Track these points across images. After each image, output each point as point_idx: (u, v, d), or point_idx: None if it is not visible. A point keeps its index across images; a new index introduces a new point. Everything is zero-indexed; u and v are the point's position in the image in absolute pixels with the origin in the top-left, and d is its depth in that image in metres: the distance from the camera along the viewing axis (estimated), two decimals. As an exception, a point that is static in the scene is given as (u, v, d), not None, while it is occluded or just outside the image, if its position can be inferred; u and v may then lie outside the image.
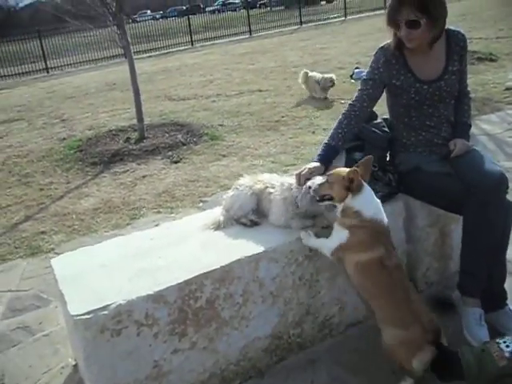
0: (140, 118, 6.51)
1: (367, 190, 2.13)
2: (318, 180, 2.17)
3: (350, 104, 2.55)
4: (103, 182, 5.15)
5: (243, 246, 2.22)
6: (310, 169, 2.30)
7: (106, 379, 1.94)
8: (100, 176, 5.37)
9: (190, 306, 2.05)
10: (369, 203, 2.13)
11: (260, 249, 2.18)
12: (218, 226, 2.40)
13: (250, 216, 2.40)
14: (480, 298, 2.33)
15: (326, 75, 7.80)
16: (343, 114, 2.54)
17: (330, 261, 2.34)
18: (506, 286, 2.41)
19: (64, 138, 7.00)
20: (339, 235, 2.13)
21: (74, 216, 4.37)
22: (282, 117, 6.96)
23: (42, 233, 4.08)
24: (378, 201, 2.17)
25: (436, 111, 2.52)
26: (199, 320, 2.08)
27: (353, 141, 2.66)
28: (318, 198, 2.17)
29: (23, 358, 2.56)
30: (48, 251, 3.73)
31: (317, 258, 2.31)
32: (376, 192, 2.49)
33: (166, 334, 2.02)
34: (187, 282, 2.02)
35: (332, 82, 7.76)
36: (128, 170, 5.43)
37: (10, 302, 3.10)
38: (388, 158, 2.70)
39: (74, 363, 2.46)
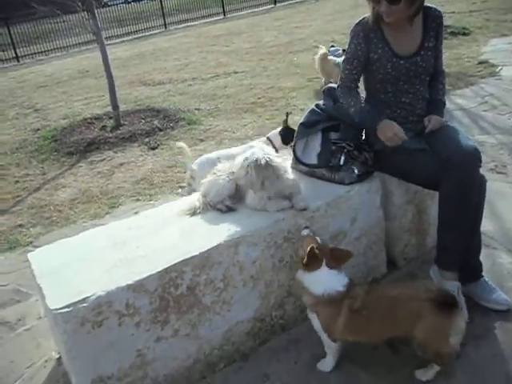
0: (115, 105, 6.40)
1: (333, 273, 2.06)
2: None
3: (344, 87, 2.57)
4: (80, 172, 5.08)
5: (222, 231, 2.21)
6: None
7: (90, 370, 1.94)
8: (76, 166, 5.29)
9: (171, 293, 2.04)
10: (330, 282, 2.04)
11: (239, 233, 2.18)
12: (194, 212, 2.40)
13: (226, 202, 2.39)
14: (457, 271, 2.37)
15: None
16: (343, 96, 2.57)
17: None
18: (481, 257, 2.46)
19: (38, 129, 6.85)
20: (316, 324, 2.10)
21: (51, 208, 4.30)
22: (259, 98, 6.91)
23: (20, 226, 4.02)
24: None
25: (411, 87, 2.53)
26: (181, 307, 2.08)
27: (328, 121, 2.66)
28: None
29: (4, 354, 2.53)
30: (26, 244, 3.68)
31: (295, 240, 2.32)
32: (353, 171, 2.52)
33: (148, 322, 2.02)
34: (167, 270, 2.02)
35: None
36: (105, 159, 5.36)
37: (-12, 297, 3.06)
38: (364, 137, 2.70)
39: (57, 356, 2.45)
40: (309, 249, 2.00)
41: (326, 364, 2.16)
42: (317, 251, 2.02)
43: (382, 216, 2.65)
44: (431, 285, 2.14)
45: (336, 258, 2.07)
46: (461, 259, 2.37)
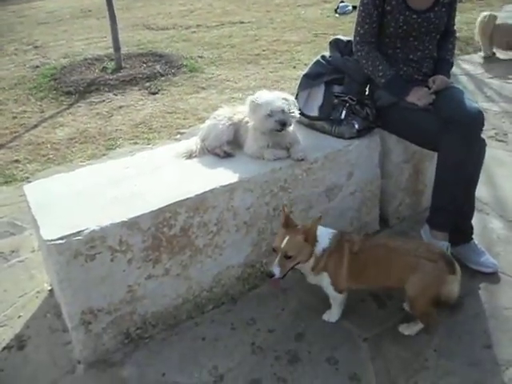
0: (117, 47, 6.25)
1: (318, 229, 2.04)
2: (276, 266, 1.95)
3: (365, 43, 2.51)
4: (79, 112, 5.02)
5: (218, 176, 2.21)
6: None
7: (81, 302, 1.98)
8: (75, 106, 5.22)
9: (164, 233, 2.06)
10: (321, 237, 2.05)
11: (235, 178, 2.18)
12: (190, 155, 2.39)
13: (225, 147, 2.38)
14: (448, 232, 2.40)
15: None
16: (366, 55, 2.51)
17: (304, 193, 2.37)
18: (473, 221, 2.49)
19: (37, 66, 6.71)
20: (326, 281, 2.10)
21: (48, 145, 4.28)
22: (263, 50, 6.78)
23: (16, 161, 4.00)
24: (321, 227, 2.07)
25: (421, 45, 2.49)
26: (173, 247, 2.11)
27: (332, 73, 2.62)
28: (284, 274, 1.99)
29: (-2, 282, 2.58)
30: (22, 180, 3.68)
31: (291, 190, 2.33)
32: (353, 126, 2.51)
33: (139, 260, 2.04)
34: (161, 210, 2.03)
35: None
36: (104, 100, 5.29)
37: (-17, 229, 3.08)
38: (367, 93, 2.67)
39: (49, 288, 2.49)
40: (306, 229, 1.99)
41: (333, 315, 2.20)
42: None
43: (379, 173, 2.65)
44: (432, 246, 2.17)
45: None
46: (453, 221, 2.40)
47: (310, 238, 2.00)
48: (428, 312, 2.02)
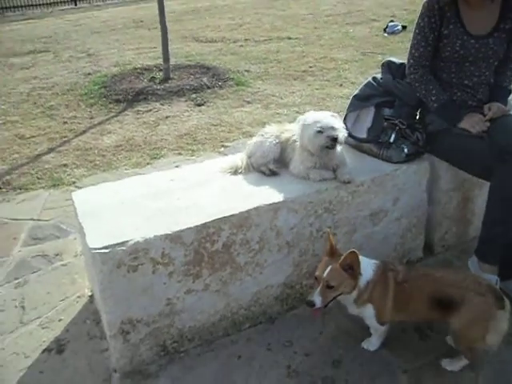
0: (166, 58, 6.39)
1: (361, 260, 1.97)
2: (317, 296, 1.91)
3: (419, 66, 2.46)
4: (126, 120, 5.14)
5: (263, 194, 2.21)
6: None
7: (121, 312, 2.00)
8: (123, 114, 5.35)
9: (206, 248, 2.07)
10: (365, 269, 1.98)
11: (280, 198, 2.17)
12: (235, 171, 2.39)
13: (271, 165, 2.37)
14: (497, 265, 2.31)
15: None
16: (420, 79, 2.47)
17: (349, 216, 2.34)
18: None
19: (89, 73, 6.93)
20: (369, 313, 2.05)
21: (95, 151, 4.39)
22: (310, 67, 6.78)
23: (64, 165, 4.12)
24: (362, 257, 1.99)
25: (477, 70, 2.42)
26: (214, 263, 2.11)
27: (383, 96, 2.59)
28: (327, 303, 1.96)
29: (42, 284, 2.64)
30: (69, 184, 3.78)
31: (336, 212, 2.30)
32: (402, 150, 2.46)
33: (180, 273, 2.05)
34: (205, 225, 2.03)
35: None
36: (151, 110, 5.40)
37: (31, 230, 3.17)
38: (418, 117, 2.62)
39: (89, 294, 2.54)
40: (349, 255, 1.92)
41: (372, 344, 2.15)
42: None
43: (426, 199, 2.59)
44: (481, 278, 2.07)
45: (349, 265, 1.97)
46: (502, 254, 2.31)
47: (356, 272, 1.94)
48: (474, 348, 1.93)
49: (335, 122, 2.22)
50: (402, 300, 1.99)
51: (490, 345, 1.89)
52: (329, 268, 1.91)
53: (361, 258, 1.96)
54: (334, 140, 2.18)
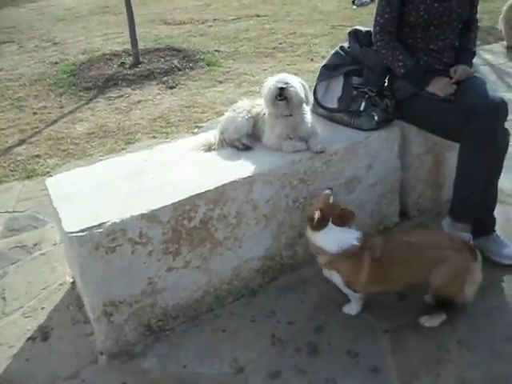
0: (134, 43, 6.29)
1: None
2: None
3: (385, 33, 2.47)
4: (97, 107, 5.07)
5: (237, 168, 2.22)
6: None
7: (103, 294, 2.00)
8: (94, 101, 5.27)
9: (184, 225, 2.07)
10: (345, 237, 2.02)
11: (254, 171, 2.18)
12: (208, 148, 2.39)
13: (244, 140, 2.38)
14: (470, 223, 2.36)
15: None
16: (386, 45, 2.48)
17: (324, 185, 2.36)
18: (495, 212, 2.45)
19: (56, 62, 6.78)
20: (337, 280, 2.10)
21: (68, 140, 4.33)
22: (280, 43, 6.75)
23: (37, 156, 4.06)
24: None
25: (442, 34, 2.45)
26: (193, 240, 2.12)
27: (351, 65, 2.60)
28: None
29: (22, 274, 2.62)
30: (43, 174, 3.73)
31: (310, 182, 2.32)
32: (372, 118, 2.49)
33: (159, 252, 2.06)
34: (181, 203, 2.03)
35: None
36: (123, 95, 5.33)
37: (7, 222, 3.13)
38: (386, 84, 2.64)
39: (71, 281, 2.53)
40: (318, 212, 1.99)
41: (352, 308, 2.18)
42: (321, 213, 1.99)
43: (399, 165, 2.63)
44: (454, 235, 2.14)
45: (342, 218, 2.03)
46: (475, 212, 2.36)
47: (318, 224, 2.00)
48: (454, 301, 2.00)
49: (289, 78, 2.23)
50: (379, 274, 2.02)
51: (468, 296, 1.97)
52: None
53: (343, 228, 2.02)
54: (282, 90, 2.17)
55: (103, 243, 1.92)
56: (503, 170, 2.39)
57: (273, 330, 2.15)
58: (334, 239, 2.01)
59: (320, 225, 2.00)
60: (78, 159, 3.96)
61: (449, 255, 1.95)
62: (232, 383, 1.93)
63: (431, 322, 2.07)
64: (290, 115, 2.26)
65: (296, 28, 7.48)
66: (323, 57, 5.71)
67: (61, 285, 2.53)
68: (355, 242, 2.00)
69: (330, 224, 2.01)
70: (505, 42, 5.75)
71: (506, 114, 2.23)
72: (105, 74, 5.95)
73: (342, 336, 2.08)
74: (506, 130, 2.29)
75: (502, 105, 2.19)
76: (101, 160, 3.72)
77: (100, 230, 1.90)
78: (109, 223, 1.92)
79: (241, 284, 2.32)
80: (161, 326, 2.18)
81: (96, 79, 5.82)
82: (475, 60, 2.64)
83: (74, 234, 1.88)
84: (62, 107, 5.18)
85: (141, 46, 6.54)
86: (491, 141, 2.21)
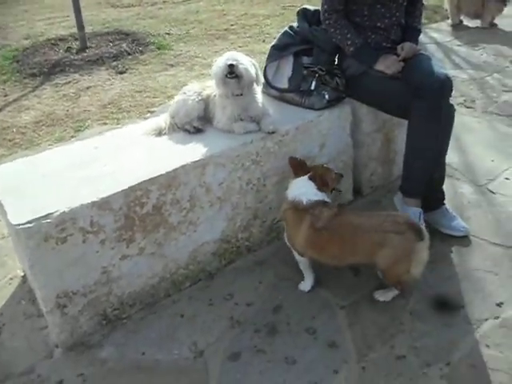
0: (81, 26, 6.07)
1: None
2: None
3: (333, 11, 2.47)
4: (44, 94, 4.88)
5: (189, 152, 2.19)
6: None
7: (55, 286, 1.95)
8: (40, 88, 5.07)
9: (137, 212, 2.03)
10: (305, 192, 2.10)
11: (206, 154, 2.16)
12: (159, 132, 2.35)
13: (195, 123, 2.34)
14: (420, 198, 2.42)
15: None
16: (334, 24, 2.48)
17: (277, 166, 2.36)
18: (444, 187, 2.52)
19: (-3, 48, 6.50)
20: (284, 229, 2.21)
21: (14, 130, 4.15)
22: (232, 25, 6.68)
23: (-19, 147, 3.89)
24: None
25: (388, 12, 2.47)
26: (146, 226, 2.08)
27: (301, 44, 2.60)
28: None
29: (-32, 271, 2.52)
30: (-12, 166, 3.57)
31: (263, 163, 2.32)
32: (323, 97, 2.50)
33: (112, 240, 2.02)
34: (132, 189, 1.99)
35: None
36: (70, 82, 5.15)
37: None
38: (336, 62, 2.65)
39: (22, 274, 2.45)
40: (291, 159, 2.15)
41: (305, 285, 2.22)
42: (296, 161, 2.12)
43: (351, 143, 2.66)
44: (400, 217, 2.10)
45: (322, 178, 2.12)
46: (424, 187, 2.42)
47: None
48: (401, 280, 2.04)
49: (239, 56, 2.22)
50: (317, 244, 2.06)
51: (415, 276, 2.01)
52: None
53: (313, 184, 2.10)
54: (231, 67, 2.16)
55: (52, 234, 1.86)
56: (450, 146, 2.46)
57: (231, 312, 2.15)
58: (296, 188, 2.11)
59: (297, 171, 2.16)
60: (25, 149, 3.80)
61: (391, 238, 1.95)
62: (192, 367, 1.93)
63: (385, 296, 2.12)
64: (241, 94, 2.24)
65: (247, 9, 7.41)
66: (275, 38, 5.63)
67: (11, 279, 2.44)
68: (303, 201, 2.06)
69: (307, 176, 2.10)
70: (450, 21, 5.88)
71: (451, 90, 2.29)
72: (51, 60, 5.73)
73: (300, 314, 2.11)
74: (452, 105, 2.35)
75: (447, 81, 2.24)
76: (49, 149, 3.60)
77: (48, 221, 1.84)
78: (57, 213, 1.86)
79: (197, 268, 2.31)
80: (117, 314, 2.15)
81: (41, 65, 5.59)
82: (422, 38, 2.69)
83: (21, 226, 1.81)
84: (5, 95, 4.96)
85: (88, 29, 6.33)
86: (437, 116, 2.26)
